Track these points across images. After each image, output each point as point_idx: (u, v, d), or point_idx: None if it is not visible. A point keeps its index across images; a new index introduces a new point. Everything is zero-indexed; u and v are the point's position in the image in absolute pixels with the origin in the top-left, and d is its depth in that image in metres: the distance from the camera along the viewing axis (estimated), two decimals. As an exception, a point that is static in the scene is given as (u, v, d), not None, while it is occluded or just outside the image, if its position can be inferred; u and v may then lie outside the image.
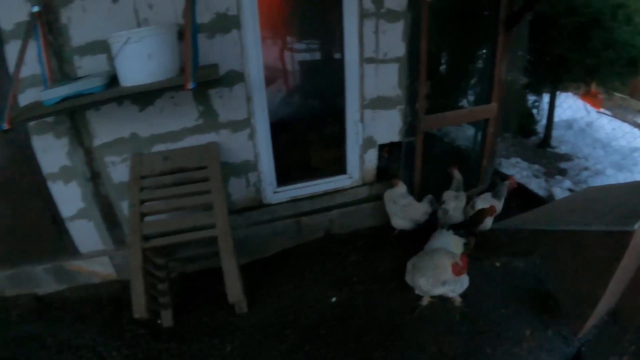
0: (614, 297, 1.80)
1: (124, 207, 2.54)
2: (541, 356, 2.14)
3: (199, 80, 1.92)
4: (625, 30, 4.20)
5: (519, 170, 4.50)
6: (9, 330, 2.35)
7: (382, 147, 3.07)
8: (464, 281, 2.27)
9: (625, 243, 1.53)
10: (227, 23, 2.32)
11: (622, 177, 4.45)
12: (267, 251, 2.93)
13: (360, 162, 3.04)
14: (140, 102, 2.33)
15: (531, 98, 5.42)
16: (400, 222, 2.99)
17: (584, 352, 2.10)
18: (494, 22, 3.28)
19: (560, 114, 5.62)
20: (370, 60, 2.73)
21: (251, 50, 2.44)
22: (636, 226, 1.38)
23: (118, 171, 2.45)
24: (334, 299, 2.51)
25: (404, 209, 2.92)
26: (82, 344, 2.22)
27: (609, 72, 4.39)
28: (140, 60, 1.95)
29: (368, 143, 2.99)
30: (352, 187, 3.09)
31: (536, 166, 4.71)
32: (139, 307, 2.04)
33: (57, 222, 2.51)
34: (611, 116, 6.45)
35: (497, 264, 2.70)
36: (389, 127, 2.99)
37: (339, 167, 3.08)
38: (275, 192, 2.88)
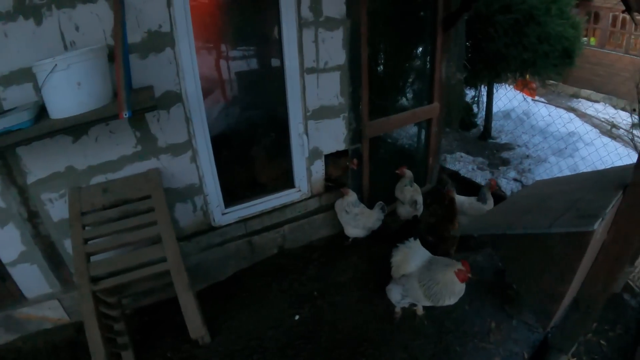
0: (576, 289, 1.90)
1: (67, 246, 2.34)
2: (509, 346, 2.23)
3: (134, 109, 1.80)
4: (558, 23, 4.45)
5: (463, 165, 4.67)
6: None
7: (352, 158, 3.05)
8: None
9: (587, 242, 1.59)
10: (160, 41, 2.17)
11: (565, 164, 4.74)
12: (223, 274, 2.83)
13: (307, 174, 3.00)
14: (73, 133, 2.14)
15: (470, 93, 5.61)
16: (353, 231, 2.99)
17: (550, 338, 2.19)
18: (431, 24, 3.34)
19: (498, 105, 5.90)
20: (311, 71, 2.68)
21: (187, 69, 2.30)
22: (596, 226, 1.43)
23: (57, 208, 2.26)
24: (297, 317, 2.47)
25: (356, 217, 2.92)
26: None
27: (544, 64, 4.64)
28: (69, 90, 1.78)
29: (314, 154, 2.95)
30: (301, 200, 3.04)
31: (480, 158, 4.91)
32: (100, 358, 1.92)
33: (-3, 268, 2.27)
34: (546, 103, 6.87)
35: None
36: (334, 136, 2.97)
37: (287, 181, 3.02)
38: (223, 214, 2.77)
